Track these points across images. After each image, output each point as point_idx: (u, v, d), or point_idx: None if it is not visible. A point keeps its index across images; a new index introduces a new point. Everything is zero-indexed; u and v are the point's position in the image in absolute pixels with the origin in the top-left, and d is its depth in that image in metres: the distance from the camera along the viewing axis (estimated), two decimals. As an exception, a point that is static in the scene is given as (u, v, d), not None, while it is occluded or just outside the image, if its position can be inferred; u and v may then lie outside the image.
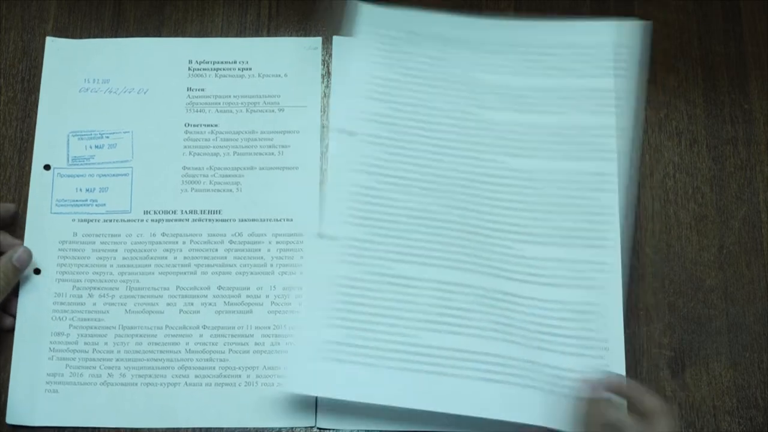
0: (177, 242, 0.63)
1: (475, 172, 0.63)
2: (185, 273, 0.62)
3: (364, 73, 0.65)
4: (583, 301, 0.60)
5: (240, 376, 0.60)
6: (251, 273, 0.62)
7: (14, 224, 0.63)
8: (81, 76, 0.66)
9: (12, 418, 0.60)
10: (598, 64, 0.65)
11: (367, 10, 0.66)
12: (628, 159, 0.63)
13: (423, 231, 0.61)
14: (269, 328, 0.61)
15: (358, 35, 0.65)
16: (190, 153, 0.64)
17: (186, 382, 0.60)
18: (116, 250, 0.63)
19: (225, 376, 0.60)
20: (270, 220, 0.63)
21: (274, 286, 0.62)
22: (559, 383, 0.58)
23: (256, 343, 0.61)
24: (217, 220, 0.63)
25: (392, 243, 0.61)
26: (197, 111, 0.65)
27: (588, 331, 0.60)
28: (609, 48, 0.65)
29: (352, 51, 0.65)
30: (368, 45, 0.65)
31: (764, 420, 0.60)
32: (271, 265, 0.62)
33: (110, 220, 0.63)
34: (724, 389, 0.61)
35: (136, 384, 0.60)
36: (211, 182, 0.64)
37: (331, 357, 0.58)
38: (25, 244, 0.62)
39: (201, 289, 0.62)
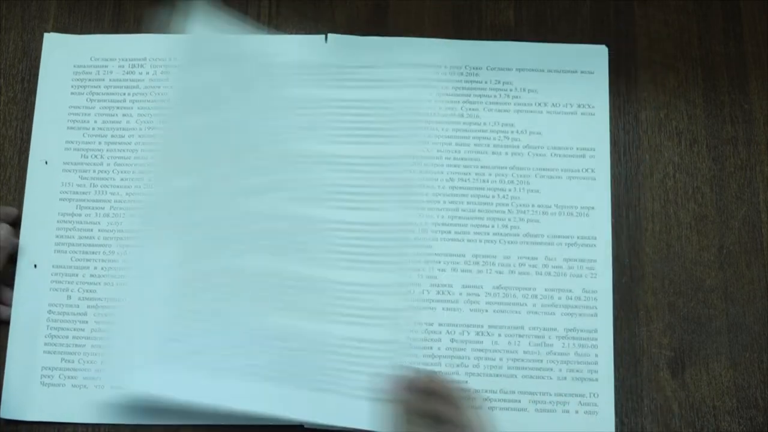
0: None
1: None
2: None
3: (60, 102, 0.65)
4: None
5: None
6: None
7: (16, 227, 0.63)
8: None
9: (6, 412, 0.60)
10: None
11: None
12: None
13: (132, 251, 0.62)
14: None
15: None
16: None
17: None
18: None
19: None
20: None
21: None
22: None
23: None
24: None
25: (98, 266, 0.62)
26: None
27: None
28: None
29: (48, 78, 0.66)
30: (60, 74, 0.66)
31: (764, 420, 0.60)
32: None
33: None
34: (724, 389, 0.61)
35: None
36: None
37: (47, 382, 0.60)
38: (21, 237, 0.62)
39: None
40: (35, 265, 0.62)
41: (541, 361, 0.61)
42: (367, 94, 0.64)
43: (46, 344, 0.61)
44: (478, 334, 0.61)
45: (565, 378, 0.60)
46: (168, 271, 0.60)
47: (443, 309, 0.62)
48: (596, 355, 0.61)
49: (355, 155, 0.63)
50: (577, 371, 0.60)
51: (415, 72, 0.65)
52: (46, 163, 0.64)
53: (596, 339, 0.61)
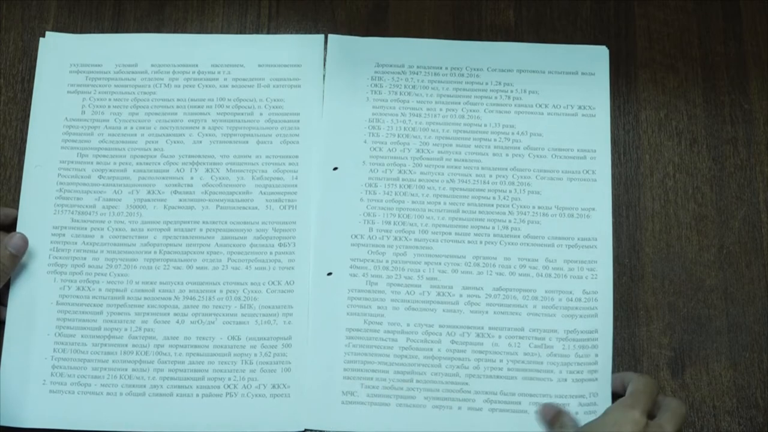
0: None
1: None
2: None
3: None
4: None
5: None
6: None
7: (15, 228, 0.63)
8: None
9: (3, 419, 0.59)
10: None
11: None
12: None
13: None
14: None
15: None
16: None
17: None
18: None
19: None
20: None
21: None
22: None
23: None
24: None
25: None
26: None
27: None
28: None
29: None
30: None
31: (764, 420, 0.60)
32: None
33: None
34: (724, 389, 0.61)
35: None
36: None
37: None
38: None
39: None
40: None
41: (542, 363, 0.61)
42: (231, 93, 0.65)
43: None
44: (478, 335, 0.61)
45: (566, 380, 0.60)
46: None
47: (443, 311, 0.62)
48: (596, 356, 0.61)
49: (223, 154, 0.64)
50: (578, 372, 0.60)
51: (277, 72, 0.66)
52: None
53: (596, 340, 0.61)
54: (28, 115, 0.65)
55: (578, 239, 0.63)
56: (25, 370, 0.60)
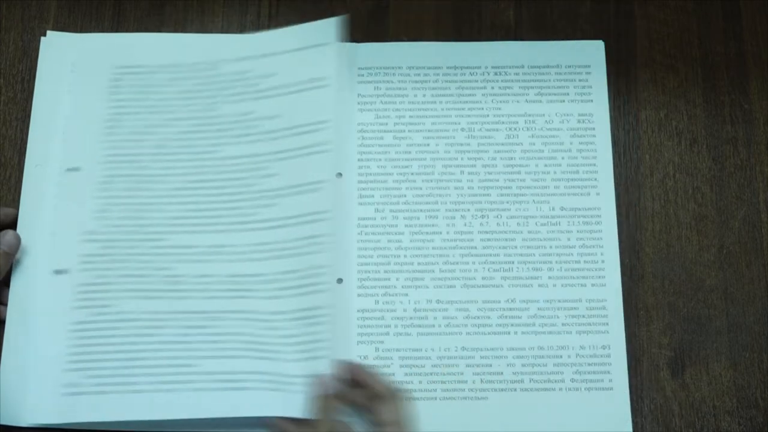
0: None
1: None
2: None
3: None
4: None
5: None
6: None
7: (15, 228, 0.63)
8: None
9: (3, 418, 0.59)
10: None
11: None
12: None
13: None
14: None
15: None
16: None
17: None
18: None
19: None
20: None
21: None
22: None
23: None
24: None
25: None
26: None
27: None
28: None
29: None
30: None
31: (764, 420, 0.60)
32: None
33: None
34: (724, 389, 0.61)
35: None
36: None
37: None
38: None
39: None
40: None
41: (270, 343, 0.60)
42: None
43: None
44: (207, 319, 0.61)
45: (295, 359, 0.59)
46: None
47: (174, 298, 0.61)
48: (318, 333, 0.60)
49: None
50: (308, 351, 0.59)
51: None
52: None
53: (323, 316, 0.60)
54: (28, 115, 0.65)
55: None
56: (25, 369, 0.60)
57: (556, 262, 0.62)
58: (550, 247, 0.63)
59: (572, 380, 0.60)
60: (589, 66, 0.66)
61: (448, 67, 0.66)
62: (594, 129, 0.65)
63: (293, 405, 0.58)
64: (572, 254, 0.63)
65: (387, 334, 0.61)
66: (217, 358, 0.60)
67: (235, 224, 0.62)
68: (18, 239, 0.61)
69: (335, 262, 0.61)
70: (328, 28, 0.65)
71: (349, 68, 0.66)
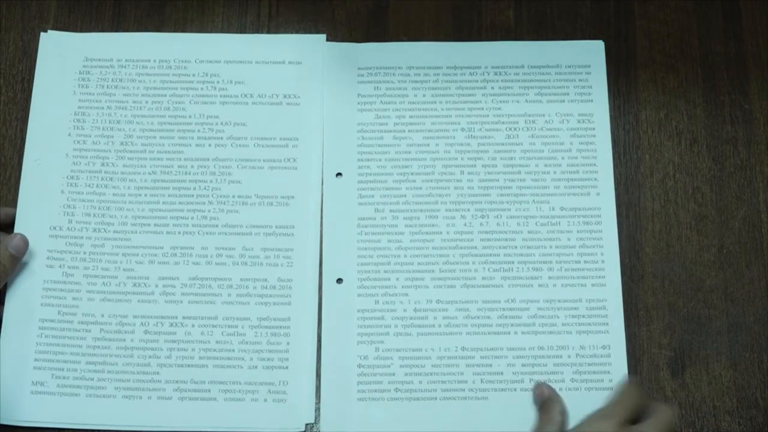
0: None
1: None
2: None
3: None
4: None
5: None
6: None
7: (14, 227, 0.63)
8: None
9: (2, 418, 0.59)
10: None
11: None
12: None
13: None
14: None
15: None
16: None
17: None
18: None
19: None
20: None
21: None
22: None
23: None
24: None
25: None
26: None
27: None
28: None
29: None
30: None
31: (764, 420, 0.60)
32: None
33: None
34: (724, 389, 0.61)
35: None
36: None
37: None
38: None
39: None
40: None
41: (233, 350, 0.61)
42: None
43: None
44: (171, 325, 0.61)
45: (256, 367, 0.60)
46: None
47: (138, 301, 0.61)
48: (288, 344, 0.60)
49: None
50: (268, 360, 0.60)
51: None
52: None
53: (288, 328, 0.61)
54: (28, 115, 0.65)
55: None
56: (24, 368, 0.60)
57: (556, 262, 0.62)
58: (550, 247, 0.63)
59: (572, 380, 0.60)
60: (589, 66, 0.66)
61: (448, 67, 0.66)
62: (594, 129, 0.65)
63: (256, 415, 0.59)
64: (572, 254, 0.63)
65: (387, 334, 0.61)
66: (182, 366, 0.60)
67: (198, 227, 0.63)
68: (26, 242, 0.61)
69: (301, 276, 0.62)
70: (310, 44, 0.66)
71: (349, 68, 0.66)
